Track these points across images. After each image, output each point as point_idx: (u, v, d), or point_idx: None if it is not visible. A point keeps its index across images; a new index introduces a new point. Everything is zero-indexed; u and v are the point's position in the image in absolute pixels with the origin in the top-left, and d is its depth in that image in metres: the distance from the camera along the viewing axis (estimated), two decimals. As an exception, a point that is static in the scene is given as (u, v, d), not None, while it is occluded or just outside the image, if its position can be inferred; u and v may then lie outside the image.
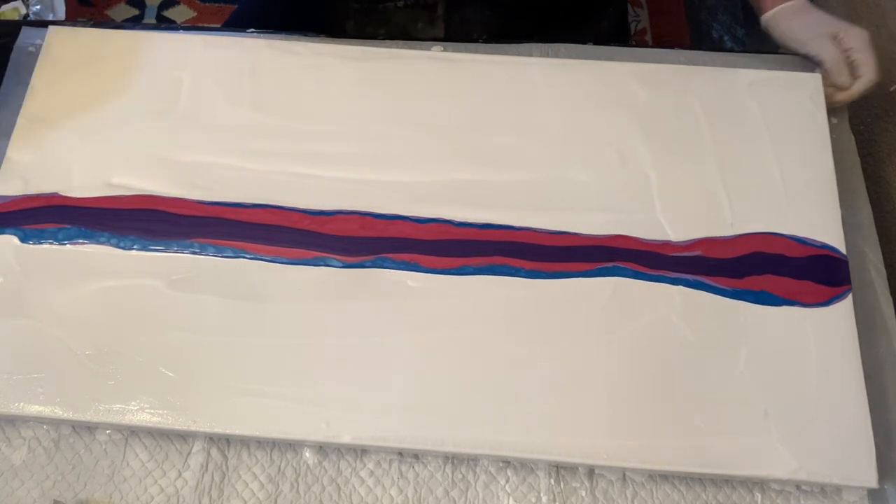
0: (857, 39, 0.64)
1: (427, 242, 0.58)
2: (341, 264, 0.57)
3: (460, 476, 0.54)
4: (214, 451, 0.54)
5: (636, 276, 0.57)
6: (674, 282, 0.56)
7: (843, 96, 0.65)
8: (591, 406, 0.53)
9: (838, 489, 0.52)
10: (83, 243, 0.58)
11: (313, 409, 0.52)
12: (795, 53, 0.68)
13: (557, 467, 0.54)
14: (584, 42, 0.70)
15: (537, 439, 0.52)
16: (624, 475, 0.53)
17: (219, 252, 0.57)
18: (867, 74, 0.64)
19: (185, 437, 0.54)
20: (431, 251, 0.57)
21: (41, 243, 0.58)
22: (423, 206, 0.59)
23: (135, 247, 0.58)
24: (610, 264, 0.57)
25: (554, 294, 0.56)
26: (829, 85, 0.65)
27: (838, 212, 0.59)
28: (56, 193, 0.60)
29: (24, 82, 0.65)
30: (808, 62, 0.67)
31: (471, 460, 0.54)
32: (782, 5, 0.68)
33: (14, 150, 0.62)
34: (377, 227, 0.58)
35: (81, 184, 0.60)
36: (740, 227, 0.59)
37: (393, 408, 0.53)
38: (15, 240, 0.58)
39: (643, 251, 0.58)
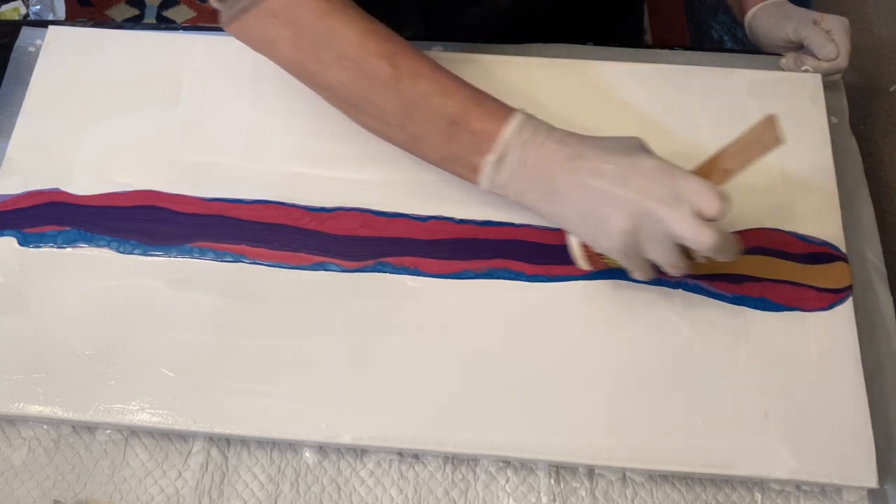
0: (836, 24, 0.65)
1: (428, 244, 0.58)
2: (341, 269, 0.57)
3: (460, 476, 0.54)
4: (214, 451, 0.54)
5: (637, 279, 0.56)
6: (673, 286, 0.56)
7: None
8: (591, 406, 0.53)
9: (838, 489, 0.52)
10: (83, 247, 0.58)
11: (313, 409, 0.52)
12: (773, 53, 0.69)
13: (557, 467, 0.54)
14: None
15: (537, 439, 0.52)
16: (624, 475, 0.53)
17: (218, 257, 0.57)
18: (839, 56, 0.64)
19: (185, 437, 0.54)
20: (432, 254, 0.57)
21: (40, 247, 0.58)
22: (424, 204, 0.59)
23: (135, 251, 0.58)
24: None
25: (554, 294, 0.56)
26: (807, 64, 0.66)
27: (838, 212, 0.59)
28: (57, 189, 0.60)
29: (24, 82, 0.65)
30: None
31: (471, 460, 0.54)
32: (762, 3, 0.70)
33: (14, 150, 0.62)
34: (378, 225, 0.58)
35: (82, 184, 0.60)
36: (740, 227, 0.59)
37: (393, 408, 0.53)
38: (14, 242, 0.58)
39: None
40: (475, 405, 0.53)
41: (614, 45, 0.70)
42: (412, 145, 0.55)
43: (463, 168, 0.53)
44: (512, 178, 0.51)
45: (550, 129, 0.51)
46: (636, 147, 0.50)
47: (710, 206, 0.46)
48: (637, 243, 0.48)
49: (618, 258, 0.50)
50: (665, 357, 0.54)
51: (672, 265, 0.49)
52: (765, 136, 0.48)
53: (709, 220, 0.46)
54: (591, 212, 0.49)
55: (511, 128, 0.50)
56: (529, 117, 0.51)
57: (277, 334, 0.55)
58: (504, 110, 0.52)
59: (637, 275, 0.51)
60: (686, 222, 0.46)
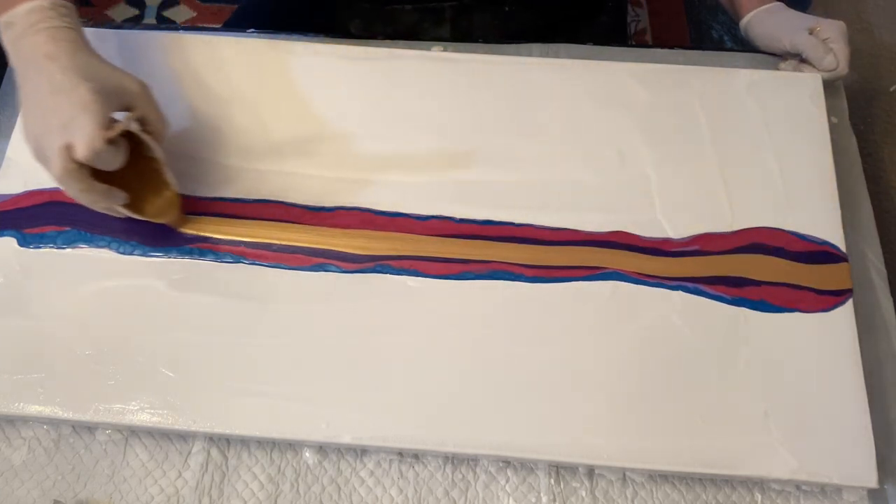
0: (833, 30, 0.65)
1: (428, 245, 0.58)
2: (341, 270, 0.57)
3: (460, 476, 0.54)
4: (214, 451, 0.54)
5: (636, 282, 0.56)
6: (673, 287, 0.56)
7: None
8: (591, 406, 0.53)
9: (838, 489, 0.52)
10: (83, 247, 0.58)
11: (313, 409, 0.52)
12: (772, 53, 0.68)
13: (557, 467, 0.54)
14: (583, 41, 0.70)
15: (537, 439, 0.52)
16: (624, 475, 0.53)
17: (218, 257, 0.57)
18: (839, 65, 0.64)
19: (185, 437, 0.54)
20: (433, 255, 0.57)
21: (40, 247, 0.58)
22: (424, 205, 0.59)
23: (135, 252, 0.58)
24: (610, 269, 0.57)
25: (554, 295, 0.56)
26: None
27: (838, 212, 0.59)
28: (57, 189, 0.60)
29: (24, 82, 0.65)
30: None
31: (471, 460, 0.54)
32: (758, 8, 0.69)
33: (14, 151, 0.62)
34: (377, 224, 0.58)
35: (81, 184, 0.60)
36: (740, 227, 0.59)
37: (393, 408, 0.53)
38: (14, 242, 0.58)
39: (642, 247, 0.58)
40: (475, 405, 0.53)
41: (612, 44, 0.70)
42: None
43: None
44: (10, 47, 0.53)
45: (64, 29, 0.52)
46: (114, 82, 0.52)
47: (79, 147, 0.48)
48: (46, 157, 0.50)
49: (39, 163, 0.52)
50: (665, 357, 0.54)
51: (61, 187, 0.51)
52: None
53: (77, 161, 0.49)
54: (30, 109, 0.51)
55: (28, 6, 0.52)
56: (56, 7, 0.53)
57: (277, 334, 0.55)
58: None
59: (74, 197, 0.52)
60: (42, 150, 0.49)
